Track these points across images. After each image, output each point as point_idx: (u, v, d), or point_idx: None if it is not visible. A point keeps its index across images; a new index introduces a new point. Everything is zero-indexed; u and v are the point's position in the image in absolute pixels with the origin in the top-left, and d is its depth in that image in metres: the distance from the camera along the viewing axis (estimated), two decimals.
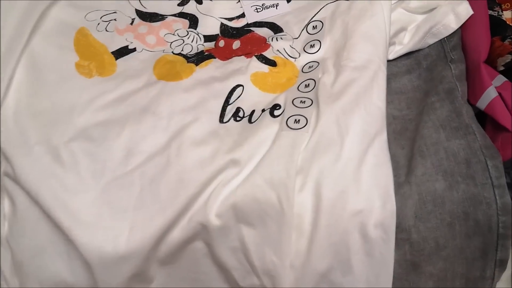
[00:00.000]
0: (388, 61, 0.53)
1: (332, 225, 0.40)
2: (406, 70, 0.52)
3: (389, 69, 0.53)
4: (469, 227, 0.41)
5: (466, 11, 0.52)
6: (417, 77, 0.52)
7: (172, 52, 0.53)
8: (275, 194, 0.40)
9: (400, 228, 0.41)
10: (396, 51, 0.53)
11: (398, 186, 0.42)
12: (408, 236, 0.41)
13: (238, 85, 0.48)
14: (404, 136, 0.46)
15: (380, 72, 0.47)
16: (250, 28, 0.56)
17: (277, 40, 0.53)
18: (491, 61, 0.50)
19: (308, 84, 0.48)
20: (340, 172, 0.41)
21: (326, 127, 0.42)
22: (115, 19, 0.54)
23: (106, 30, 0.53)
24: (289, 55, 0.52)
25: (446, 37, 0.54)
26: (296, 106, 0.45)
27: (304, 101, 0.46)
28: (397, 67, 0.53)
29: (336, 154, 0.41)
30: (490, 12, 0.61)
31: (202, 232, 0.41)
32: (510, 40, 0.50)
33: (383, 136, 0.44)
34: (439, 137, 0.44)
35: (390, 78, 0.51)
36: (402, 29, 0.53)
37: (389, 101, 0.49)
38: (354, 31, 0.49)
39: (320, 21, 0.54)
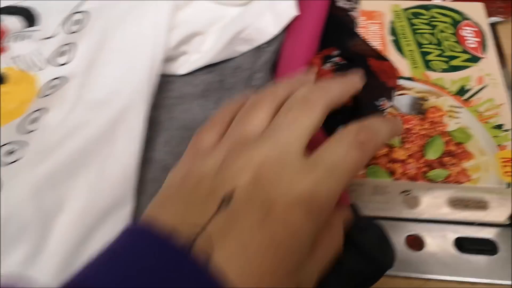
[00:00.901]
0: (181, 76, 0.38)
1: None
2: (202, 92, 0.38)
3: (178, 89, 0.38)
4: None
5: (288, 10, 0.38)
6: (214, 102, 0.37)
7: None
8: None
9: None
10: (192, 62, 0.38)
11: None
12: None
13: None
14: None
15: (131, 111, 0.32)
16: None
17: (19, 39, 0.37)
18: None
19: (36, 119, 0.32)
20: (38, 273, 0.27)
21: (17, 204, 0.28)
22: None
23: None
24: (31, 65, 0.36)
25: (265, 44, 0.39)
26: None
27: (14, 152, 0.31)
28: (192, 86, 0.38)
29: (33, 247, 0.28)
30: (343, 3, 0.46)
31: None
32: (333, 64, 0.35)
33: (125, 210, 0.30)
34: None
35: (174, 104, 0.37)
36: (197, 33, 0.38)
37: (166, 140, 0.35)
38: (108, 40, 0.34)
39: (87, 13, 0.38)
